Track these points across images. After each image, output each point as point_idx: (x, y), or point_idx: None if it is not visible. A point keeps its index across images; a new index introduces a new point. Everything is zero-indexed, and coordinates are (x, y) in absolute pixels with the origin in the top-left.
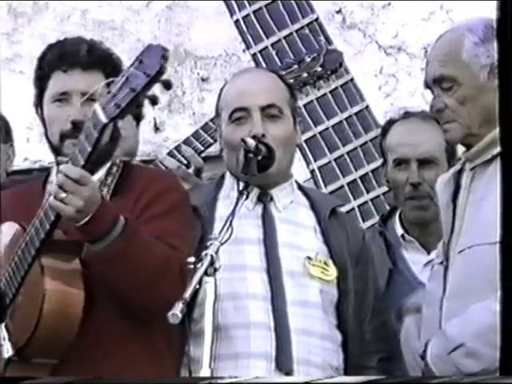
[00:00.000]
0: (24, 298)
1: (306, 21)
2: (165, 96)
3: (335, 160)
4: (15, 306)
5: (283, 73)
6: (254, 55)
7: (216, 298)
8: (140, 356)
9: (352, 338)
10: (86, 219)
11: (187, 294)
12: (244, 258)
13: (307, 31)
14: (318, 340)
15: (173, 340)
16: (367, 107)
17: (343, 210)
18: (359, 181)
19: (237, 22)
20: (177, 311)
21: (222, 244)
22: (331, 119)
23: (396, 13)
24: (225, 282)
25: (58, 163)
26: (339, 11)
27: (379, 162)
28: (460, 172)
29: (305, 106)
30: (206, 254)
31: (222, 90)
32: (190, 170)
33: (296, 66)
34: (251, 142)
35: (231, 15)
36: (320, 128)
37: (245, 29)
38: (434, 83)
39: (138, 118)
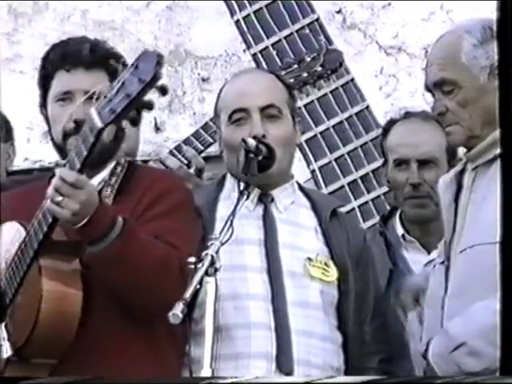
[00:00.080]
0: (22, 298)
1: (307, 21)
2: (165, 96)
3: (336, 160)
4: (14, 307)
5: (283, 72)
6: (254, 55)
7: (217, 297)
8: (142, 356)
9: (352, 339)
10: (84, 221)
11: (188, 294)
12: (245, 259)
13: (308, 31)
14: (319, 341)
15: (176, 339)
16: (368, 107)
17: (344, 210)
18: (360, 181)
19: (237, 22)
20: (177, 311)
21: (222, 244)
22: (332, 119)
23: (396, 13)
24: (225, 283)
25: (61, 164)
26: (339, 11)
27: (380, 162)
28: (462, 172)
29: (305, 105)
30: (207, 254)
31: (220, 91)
32: (191, 170)
33: (296, 66)
34: (252, 142)
35: (232, 15)
36: (320, 128)
37: (245, 29)
38: (435, 87)
39: (135, 122)
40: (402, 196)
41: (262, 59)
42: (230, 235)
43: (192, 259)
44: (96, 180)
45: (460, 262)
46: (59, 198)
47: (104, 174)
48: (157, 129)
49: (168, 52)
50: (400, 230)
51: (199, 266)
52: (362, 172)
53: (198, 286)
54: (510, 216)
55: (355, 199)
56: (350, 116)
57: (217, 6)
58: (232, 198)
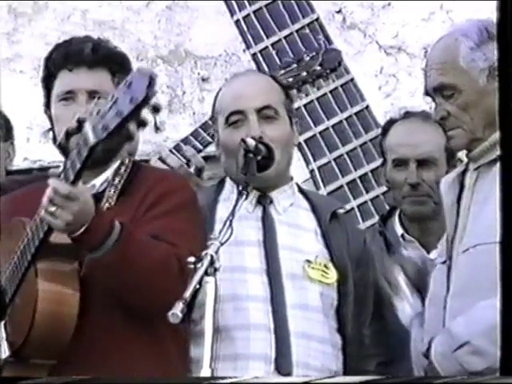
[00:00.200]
0: (20, 299)
1: (307, 21)
2: (165, 96)
3: (335, 160)
4: (13, 308)
5: (282, 72)
6: (254, 55)
7: (216, 297)
8: (144, 355)
9: (351, 341)
10: (81, 230)
11: (187, 294)
12: (244, 260)
13: (307, 31)
14: (318, 344)
15: (179, 338)
16: (367, 107)
17: (343, 210)
18: (359, 181)
19: (237, 21)
20: (177, 311)
21: (222, 244)
22: (331, 119)
23: (396, 13)
24: (225, 284)
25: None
26: (339, 11)
27: (379, 161)
28: (464, 173)
29: (305, 105)
30: (206, 254)
31: (217, 94)
32: (191, 170)
33: (295, 65)
34: (251, 142)
35: (231, 15)
36: (320, 128)
37: (245, 29)
38: (435, 92)
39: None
40: (400, 195)
41: (261, 59)
42: (230, 235)
43: (191, 259)
44: (100, 180)
45: (462, 262)
46: (53, 209)
47: (108, 173)
48: (156, 128)
49: (168, 52)
50: (399, 230)
51: (199, 265)
52: (361, 172)
53: (198, 286)
54: (509, 216)
55: (354, 199)
56: (350, 116)
57: (217, 6)
58: (231, 199)
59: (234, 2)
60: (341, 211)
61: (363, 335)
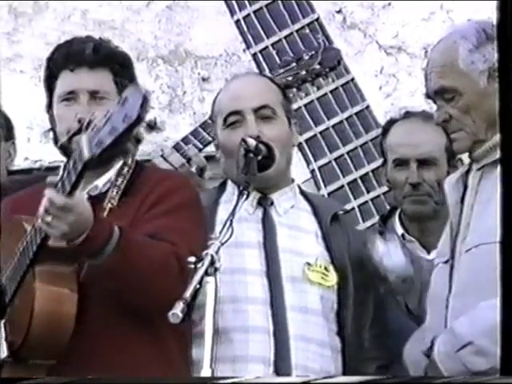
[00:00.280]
0: (19, 300)
1: (307, 21)
2: (165, 96)
3: (335, 160)
4: (12, 308)
5: (281, 71)
6: (254, 55)
7: (216, 296)
8: (145, 354)
9: (351, 344)
10: (80, 239)
11: (188, 294)
12: (244, 262)
13: (308, 31)
14: (317, 347)
15: (181, 337)
16: (368, 107)
17: (345, 207)
18: (359, 181)
19: (237, 21)
20: (177, 311)
21: (222, 244)
22: (332, 119)
23: (396, 13)
24: (225, 285)
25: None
26: (339, 11)
27: (379, 161)
28: (467, 173)
29: (305, 105)
30: (207, 254)
31: (215, 97)
32: (193, 169)
33: (294, 64)
34: (251, 142)
35: (232, 15)
36: (320, 128)
37: (245, 29)
38: (436, 95)
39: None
40: (401, 195)
41: (261, 59)
42: (230, 235)
43: (192, 259)
44: (102, 180)
45: (465, 262)
46: (48, 219)
47: (111, 173)
48: (157, 128)
49: (168, 52)
50: (400, 230)
51: (199, 265)
52: (361, 172)
53: (198, 286)
54: (510, 217)
55: (355, 199)
56: (350, 116)
57: (217, 6)
58: (233, 201)
59: (234, 2)
60: (342, 213)
61: (363, 338)
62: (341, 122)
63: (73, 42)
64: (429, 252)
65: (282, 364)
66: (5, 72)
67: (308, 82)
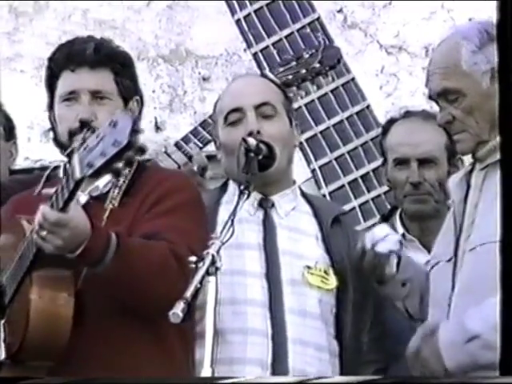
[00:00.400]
0: (16, 303)
1: (307, 20)
2: (166, 95)
3: (336, 159)
4: (11, 311)
5: (281, 69)
6: (255, 54)
7: (217, 295)
8: (148, 353)
9: (349, 347)
10: (79, 252)
11: (188, 294)
12: (244, 264)
13: (308, 30)
14: (315, 351)
15: (184, 335)
16: (368, 107)
17: (346, 210)
18: (360, 180)
19: (238, 21)
20: (178, 310)
21: (223, 243)
22: (332, 118)
23: (397, 12)
24: (224, 287)
25: (66, 164)
26: (340, 11)
27: (380, 161)
28: (471, 172)
29: (306, 105)
30: (208, 253)
31: (217, 99)
32: (195, 168)
33: (294, 63)
34: (252, 141)
35: (232, 14)
36: (321, 127)
37: (246, 28)
38: (439, 96)
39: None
40: (402, 194)
41: (262, 58)
42: (231, 234)
43: (193, 258)
44: (103, 181)
45: (469, 260)
46: (43, 233)
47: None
48: (157, 128)
49: (169, 51)
50: (400, 229)
51: (200, 265)
52: (362, 171)
53: (199, 285)
54: (509, 216)
55: (355, 198)
56: (351, 115)
57: (217, 6)
58: (234, 202)
59: (234, 2)
60: (343, 216)
61: (361, 341)
62: (341, 121)
63: (74, 41)
64: (429, 251)
65: (279, 367)
66: (5, 72)
67: (308, 81)
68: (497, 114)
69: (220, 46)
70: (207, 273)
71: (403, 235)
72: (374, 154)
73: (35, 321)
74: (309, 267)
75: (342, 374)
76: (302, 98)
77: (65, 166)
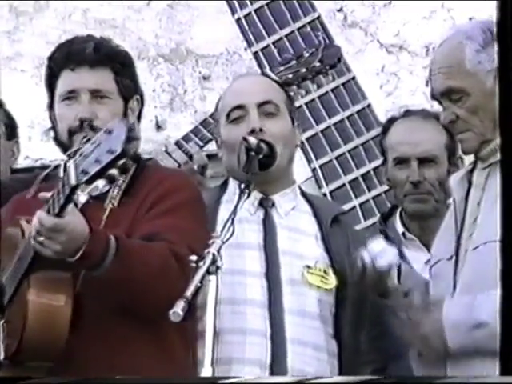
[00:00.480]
0: (15, 304)
1: (308, 19)
2: (166, 94)
3: (337, 158)
4: (9, 312)
5: (282, 68)
6: (255, 53)
7: (218, 295)
8: (148, 353)
9: (347, 347)
10: (78, 256)
11: (189, 293)
12: (244, 263)
13: (309, 29)
14: (313, 351)
15: (186, 335)
16: (369, 106)
17: (345, 209)
18: (361, 179)
19: (238, 20)
20: (178, 309)
21: (224, 242)
22: (333, 117)
23: (397, 11)
24: (224, 287)
25: (66, 163)
26: (340, 10)
27: (381, 160)
28: (472, 171)
29: (306, 104)
30: (208, 252)
31: (219, 98)
32: (195, 167)
33: (294, 62)
34: (253, 141)
35: (233, 14)
36: (322, 126)
37: (246, 27)
38: (442, 96)
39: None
40: (402, 193)
41: (263, 57)
42: (232, 233)
43: (193, 257)
44: (103, 180)
45: (472, 259)
46: (41, 239)
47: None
48: (158, 127)
49: (169, 50)
50: (400, 228)
51: (201, 264)
52: (363, 170)
53: (200, 284)
54: (510, 216)
55: (356, 197)
56: (351, 114)
57: (218, 5)
58: (234, 201)
59: (235, 1)
60: (342, 215)
61: (360, 341)
62: (342, 120)
63: (73, 41)
64: (429, 250)
65: (277, 367)
66: (5, 71)
67: (308, 80)
68: (497, 117)
69: (220, 45)
70: (208, 272)
71: (403, 234)
72: (375, 153)
73: (33, 322)
74: (308, 267)
75: (340, 373)
76: (302, 97)
77: (65, 164)
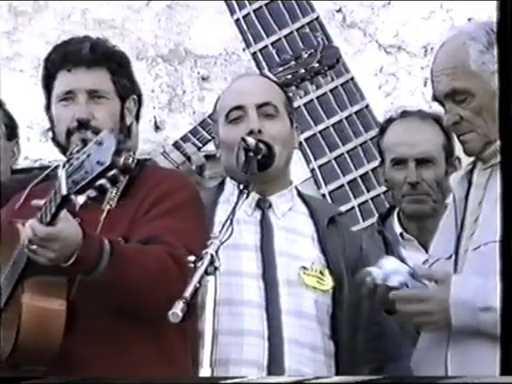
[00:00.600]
0: (9, 308)
1: (307, 20)
2: (165, 95)
3: (335, 159)
4: (5, 316)
5: (280, 69)
6: (254, 54)
7: (216, 295)
8: (147, 353)
9: (345, 347)
10: (71, 261)
11: (187, 293)
12: (241, 264)
13: (307, 30)
14: (310, 351)
15: (186, 335)
16: (367, 106)
17: (343, 209)
18: (359, 180)
19: (237, 20)
20: (177, 310)
21: (222, 243)
22: (331, 118)
23: (396, 12)
24: (221, 287)
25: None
26: (339, 10)
27: (379, 160)
28: (472, 171)
29: (305, 104)
30: (207, 253)
31: (218, 97)
32: (193, 167)
33: (293, 62)
34: (251, 141)
35: (231, 14)
36: (320, 127)
37: (245, 28)
38: (446, 97)
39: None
40: (400, 194)
41: (261, 58)
42: (230, 234)
43: (192, 258)
44: (102, 180)
45: (472, 259)
46: (33, 247)
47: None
48: (156, 128)
49: (168, 51)
50: (398, 229)
51: (199, 264)
52: (361, 171)
53: (198, 285)
54: (510, 216)
55: (355, 198)
56: (350, 115)
57: (217, 5)
58: (231, 201)
59: (233, 1)
60: (339, 216)
61: (357, 342)
62: (340, 121)
63: (70, 42)
64: (427, 251)
65: (275, 368)
66: (4, 71)
67: (307, 81)
68: (497, 114)
69: (219, 46)
70: (206, 272)
71: (401, 234)
72: (374, 153)
73: (27, 325)
74: (305, 268)
75: (337, 373)
76: (301, 97)
77: (64, 165)
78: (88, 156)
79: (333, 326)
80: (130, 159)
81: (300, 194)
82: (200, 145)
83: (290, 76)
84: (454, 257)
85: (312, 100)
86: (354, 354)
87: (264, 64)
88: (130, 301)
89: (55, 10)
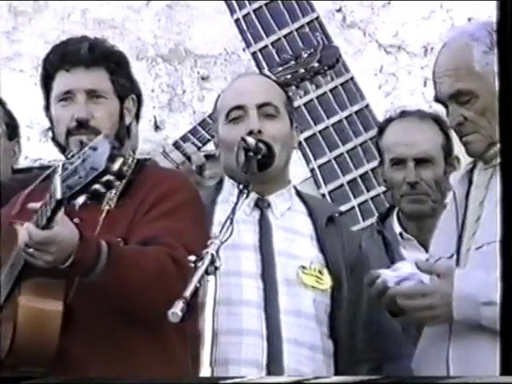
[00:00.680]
0: (6, 310)
1: (307, 19)
2: (165, 95)
3: (335, 159)
4: (2, 317)
5: (280, 69)
6: (254, 54)
7: (216, 295)
8: (147, 354)
9: (344, 346)
10: (68, 263)
11: (188, 293)
12: (240, 264)
13: (307, 30)
14: (309, 351)
15: (186, 335)
16: (367, 106)
17: (343, 209)
18: (359, 179)
19: (237, 20)
20: (177, 310)
21: (222, 243)
22: (331, 118)
23: (396, 12)
24: (220, 287)
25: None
26: (339, 10)
27: (378, 160)
28: (472, 170)
29: (305, 104)
30: (207, 253)
31: (218, 96)
32: (193, 167)
33: (293, 62)
34: (251, 141)
35: (231, 14)
36: (320, 127)
37: (245, 27)
38: (450, 98)
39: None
40: (399, 194)
41: (261, 58)
42: (230, 234)
43: (192, 258)
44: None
45: (474, 258)
46: (30, 250)
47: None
48: (156, 127)
49: (168, 50)
50: (397, 229)
51: (199, 264)
52: (361, 171)
53: (198, 285)
54: (510, 216)
55: (355, 198)
56: (350, 115)
57: (217, 5)
58: (230, 201)
59: (233, 1)
60: (338, 215)
61: (356, 341)
62: (340, 120)
63: (68, 42)
64: (427, 250)
65: (274, 368)
66: (4, 71)
67: (307, 80)
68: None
69: (219, 46)
70: (206, 272)
71: (401, 234)
72: (373, 153)
73: (23, 326)
74: (303, 267)
75: (336, 373)
76: (300, 97)
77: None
78: (83, 161)
79: (331, 325)
80: (125, 166)
81: (298, 194)
82: (200, 144)
83: (289, 76)
84: (455, 256)
85: (312, 100)
86: (352, 353)
87: (264, 64)
88: (128, 302)
89: (55, 10)
